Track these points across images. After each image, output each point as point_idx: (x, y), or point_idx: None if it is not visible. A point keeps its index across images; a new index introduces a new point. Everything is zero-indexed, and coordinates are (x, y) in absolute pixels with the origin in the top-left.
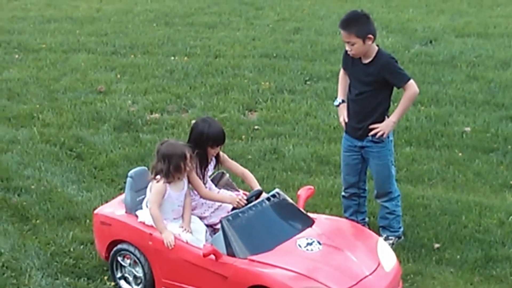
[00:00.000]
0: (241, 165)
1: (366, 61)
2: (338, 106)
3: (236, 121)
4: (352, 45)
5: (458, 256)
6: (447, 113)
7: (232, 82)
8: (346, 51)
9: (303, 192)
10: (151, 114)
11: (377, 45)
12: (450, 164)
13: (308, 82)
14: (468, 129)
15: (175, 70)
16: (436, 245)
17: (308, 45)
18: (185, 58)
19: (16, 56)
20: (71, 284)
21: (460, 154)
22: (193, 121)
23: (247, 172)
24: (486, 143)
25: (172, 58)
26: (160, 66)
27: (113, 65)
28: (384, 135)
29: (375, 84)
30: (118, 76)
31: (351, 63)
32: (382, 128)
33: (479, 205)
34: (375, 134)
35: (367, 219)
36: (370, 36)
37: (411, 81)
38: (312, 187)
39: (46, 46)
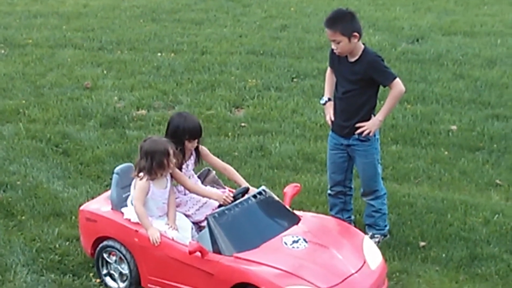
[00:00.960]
0: (227, 162)
1: (352, 59)
2: (324, 104)
3: (223, 118)
4: (338, 43)
5: (444, 255)
6: (433, 112)
7: (219, 79)
8: (332, 49)
9: (289, 189)
10: (138, 110)
11: (363, 44)
12: (436, 163)
13: (295, 80)
14: (454, 127)
15: (162, 66)
16: (422, 244)
17: (295, 42)
18: (172, 54)
19: (2, 51)
20: (56, 281)
21: (446, 152)
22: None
23: (229, 167)
24: (472, 141)
25: (159, 54)
26: (147, 62)
27: (100, 61)
28: (370, 134)
29: (361, 82)
30: (105, 72)
31: (337, 61)
32: (368, 126)
33: (464, 203)
34: (362, 132)
35: (353, 217)
36: (356, 34)
37: (397, 79)
38: (298, 184)
39: (32, 42)
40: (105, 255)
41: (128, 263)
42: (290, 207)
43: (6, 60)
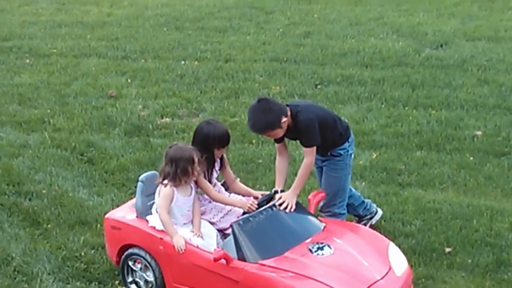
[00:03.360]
0: (251, 169)
1: (291, 126)
2: (274, 194)
3: (246, 126)
4: (274, 135)
5: (470, 260)
6: (458, 117)
7: (243, 86)
8: None
9: (314, 196)
10: (162, 118)
11: (289, 108)
12: (461, 168)
13: (318, 86)
14: (479, 133)
15: (186, 74)
16: (447, 249)
17: (319, 49)
18: (196, 62)
19: (27, 61)
20: None
21: (471, 158)
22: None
23: (238, 182)
24: (497, 147)
25: (183, 62)
26: (171, 70)
27: (124, 70)
28: (293, 205)
29: None
30: (129, 80)
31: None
32: (286, 199)
33: (490, 209)
34: (335, 151)
35: (379, 212)
36: (284, 120)
37: (311, 149)
38: (323, 191)
39: (57, 51)
40: (130, 263)
41: (153, 270)
42: (315, 214)
43: (31, 69)
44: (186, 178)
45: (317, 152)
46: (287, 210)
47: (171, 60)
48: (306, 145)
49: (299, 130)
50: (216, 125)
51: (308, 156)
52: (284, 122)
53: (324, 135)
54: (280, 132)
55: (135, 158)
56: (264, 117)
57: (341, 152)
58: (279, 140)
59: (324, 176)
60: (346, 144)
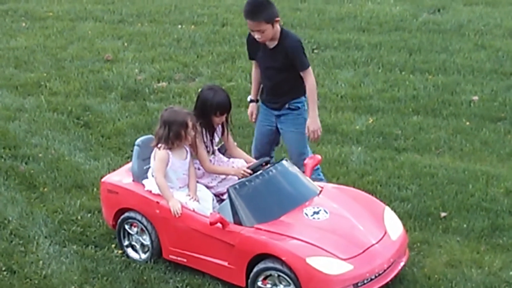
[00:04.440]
0: (247, 134)
1: (272, 45)
2: (249, 103)
3: (243, 90)
4: (262, 32)
5: (465, 225)
6: (454, 82)
7: (239, 51)
8: (248, 40)
9: (310, 161)
10: (158, 82)
11: (281, 26)
12: (457, 133)
13: (315, 51)
14: (475, 98)
15: (182, 38)
16: (443, 214)
17: (316, 13)
18: (192, 26)
19: (23, 24)
20: (78, 252)
21: (467, 123)
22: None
23: (239, 149)
24: (493, 112)
25: (179, 26)
26: (167, 34)
27: (120, 34)
28: (319, 133)
29: (285, 66)
30: (125, 44)
31: (258, 50)
32: (313, 129)
33: (486, 174)
34: (292, 104)
35: None
36: (277, 19)
37: (310, 69)
38: (319, 156)
39: (53, 14)
40: (126, 227)
41: (149, 234)
42: (310, 178)
43: (27, 33)
44: (179, 142)
45: (275, 102)
46: (319, 133)
47: (167, 24)
48: (303, 67)
49: (289, 53)
50: (217, 91)
51: (309, 77)
52: (277, 21)
53: (295, 76)
54: (268, 31)
55: (132, 122)
56: (264, 7)
57: (299, 105)
58: (253, 54)
59: (285, 136)
60: (303, 98)
